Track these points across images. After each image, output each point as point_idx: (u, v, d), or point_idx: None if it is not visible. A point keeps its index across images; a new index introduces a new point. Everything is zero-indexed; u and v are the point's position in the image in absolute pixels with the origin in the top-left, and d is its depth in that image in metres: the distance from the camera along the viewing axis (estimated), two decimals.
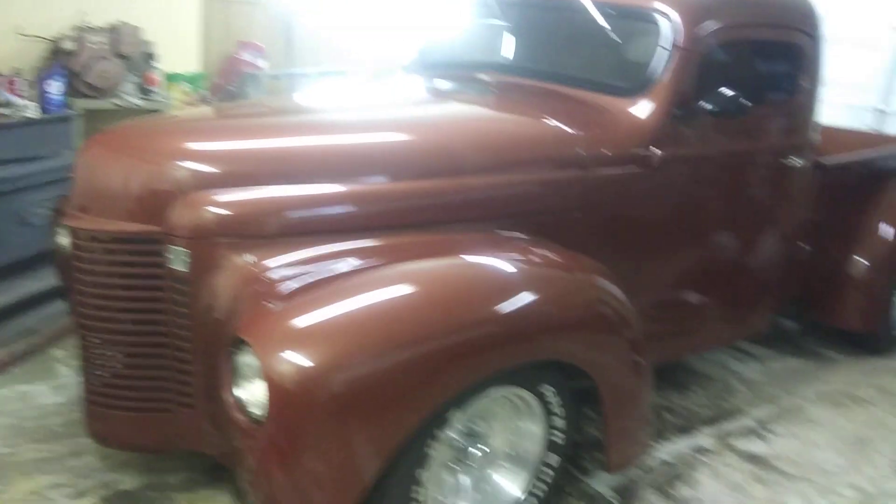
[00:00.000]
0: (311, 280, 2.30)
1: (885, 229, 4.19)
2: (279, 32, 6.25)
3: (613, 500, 2.97)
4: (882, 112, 5.73)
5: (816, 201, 3.97)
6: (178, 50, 6.05)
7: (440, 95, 3.58)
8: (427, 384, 2.15)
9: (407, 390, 2.12)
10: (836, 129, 5.15)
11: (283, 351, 2.05)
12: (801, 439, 3.52)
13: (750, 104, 3.10)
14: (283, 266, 2.32)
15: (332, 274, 2.33)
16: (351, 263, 2.39)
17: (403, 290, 2.28)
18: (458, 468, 2.50)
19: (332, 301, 2.20)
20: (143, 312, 2.41)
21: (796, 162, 3.65)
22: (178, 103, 5.94)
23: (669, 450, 3.33)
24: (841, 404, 3.88)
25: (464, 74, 3.74)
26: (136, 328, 2.41)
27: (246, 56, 6.13)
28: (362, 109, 3.24)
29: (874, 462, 3.38)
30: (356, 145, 2.74)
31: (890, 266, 4.20)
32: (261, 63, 6.15)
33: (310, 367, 2.03)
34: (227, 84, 6.12)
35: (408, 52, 4.33)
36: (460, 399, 2.27)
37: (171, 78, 6.04)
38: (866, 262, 4.14)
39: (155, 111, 5.49)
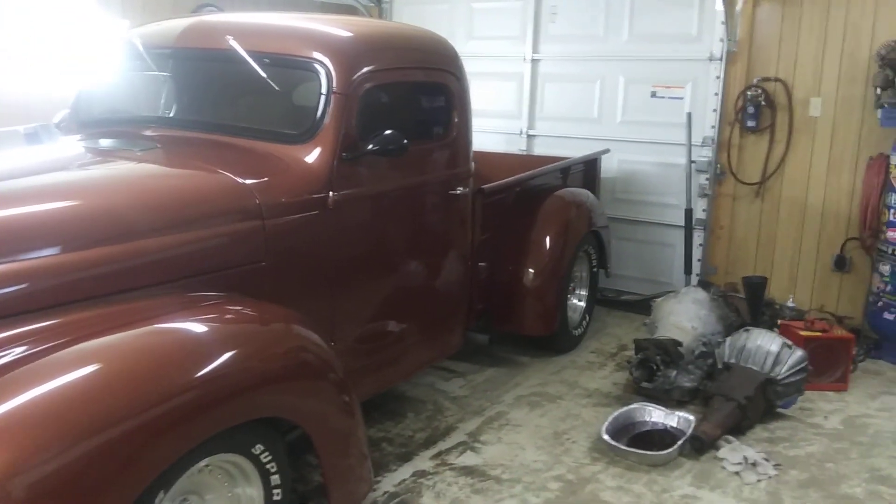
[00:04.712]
0: None
1: (547, 241, 4.64)
2: None
3: None
4: (531, 136, 6.37)
5: (485, 223, 4.30)
6: None
7: (102, 155, 3.34)
8: (126, 470, 1.98)
9: (103, 481, 1.94)
10: (495, 154, 5.65)
11: None
12: (508, 444, 3.76)
13: (408, 142, 3.27)
14: None
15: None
16: (22, 350, 2.14)
17: (86, 370, 2.10)
18: None
19: (2, 396, 1.95)
20: None
21: (461, 190, 3.93)
22: None
23: (392, 479, 3.39)
24: (537, 404, 4.21)
25: (125, 130, 3.55)
26: None
27: None
28: (17, 177, 2.92)
29: (571, 452, 3.71)
30: (15, 218, 2.46)
31: (557, 273, 4.65)
32: None
33: None
34: None
35: (60, 107, 4.00)
36: (166, 478, 2.12)
37: None
38: (537, 273, 4.55)
39: None
